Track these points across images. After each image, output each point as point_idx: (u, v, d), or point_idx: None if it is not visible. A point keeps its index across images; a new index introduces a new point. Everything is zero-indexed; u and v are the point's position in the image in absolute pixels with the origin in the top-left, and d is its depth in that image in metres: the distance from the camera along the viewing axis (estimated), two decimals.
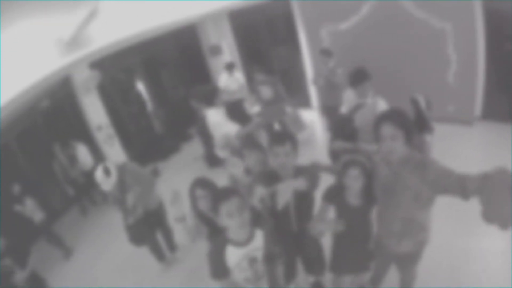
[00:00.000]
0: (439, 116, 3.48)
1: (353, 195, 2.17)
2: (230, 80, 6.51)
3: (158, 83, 7.21)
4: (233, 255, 1.85)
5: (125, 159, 5.75)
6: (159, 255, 3.94)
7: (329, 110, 5.66)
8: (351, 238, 2.24)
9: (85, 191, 5.64)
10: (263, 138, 3.81)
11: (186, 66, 7.88)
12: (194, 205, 2.45)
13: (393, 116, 1.94)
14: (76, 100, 5.60)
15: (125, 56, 6.10)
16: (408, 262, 2.39)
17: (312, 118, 6.91)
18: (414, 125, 2.60)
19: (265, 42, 7.74)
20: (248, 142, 2.72)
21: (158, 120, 6.89)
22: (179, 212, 2.36)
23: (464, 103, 6.15)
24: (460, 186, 1.72)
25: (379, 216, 2.24)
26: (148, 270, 4.00)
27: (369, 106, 3.22)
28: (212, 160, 5.78)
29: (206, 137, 5.70)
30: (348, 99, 3.56)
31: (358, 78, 3.24)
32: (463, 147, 4.90)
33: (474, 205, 1.70)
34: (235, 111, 3.89)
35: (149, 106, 6.87)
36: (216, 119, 3.80)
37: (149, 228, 3.68)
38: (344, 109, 3.65)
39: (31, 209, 4.71)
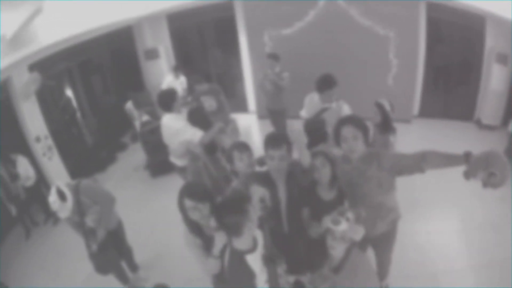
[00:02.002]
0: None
1: (325, 189, 2.37)
2: (175, 83, 6.17)
3: (89, 89, 6.50)
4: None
5: (66, 174, 5.11)
6: (124, 278, 3.52)
7: (275, 114, 5.67)
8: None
9: (26, 210, 4.77)
10: (226, 143, 3.63)
11: (119, 71, 7.24)
12: (185, 216, 2.17)
13: (353, 119, 2.26)
14: (14, 107, 4.75)
15: (57, 61, 5.39)
16: (385, 242, 2.63)
17: (249, 122, 6.98)
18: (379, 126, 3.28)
19: (203, 45, 7.53)
20: (240, 146, 2.63)
21: (88, 129, 6.19)
22: None
23: (403, 103, 6.54)
24: (416, 164, 2.03)
25: (350, 208, 2.33)
26: None
27: (334, 110, 3.43)
28: (156, 169, 5.39)
29: (150, 145, 5.32)
30: (312, 103, 3.68)
31: (326, 84, 3.40)
32: (404, 143, 5.22)
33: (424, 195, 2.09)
34: (197, 116, 3.64)
35: (80, 114, 6.14)
36: (175, 125, 3.57)
37: (113, 252, 3.26)
38: (304, 113, 3.79)
39: None
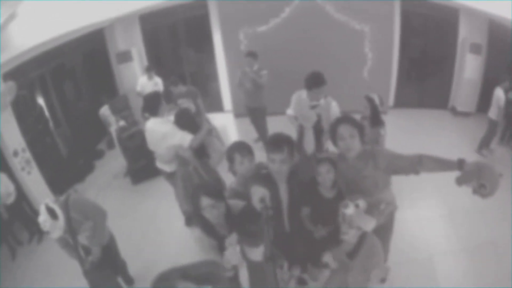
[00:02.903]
0: (356, 109, 3.78)
1: (327, 189, 2.40)
2: (149, 84, 6.04)
3: (61, 96, 6.21)
4: None
5: (46, 188, 4.80)
6: None
7: (255, 112, 5.64)
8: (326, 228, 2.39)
9: (9, 229, 4.50)
10: (215, 144, 3.58)
11: (92, 76, 6.94)
12: (199, 216, 2.15)
13: (349, 118, 2.32)
14: None
15: (28, 68, 5.11)
16: (383, 233, 2.60)
17: (225, 121, 6.91)
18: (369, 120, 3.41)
19: (176, 45, 7.37)
20: (242, 149, 2.54)
21: (62, 139, 5.93)
22: None
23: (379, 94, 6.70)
24: (412, 166, 2.12)
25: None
26: None
27: (323, 107, 3.49)
28: (137, 176, 5.24)
29: (130, 151, 5.19)
30: (300, 100, 3.70)
31: (315, 82, 3.41)
32: None
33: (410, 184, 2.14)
34: (185, 119, 3.52)
35: (52, 123, 5.86)
36: (162, 130, 3.45)
37: (108, 267, 3.10)
38: (291, 110, 3.82)
39: None
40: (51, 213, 2.58)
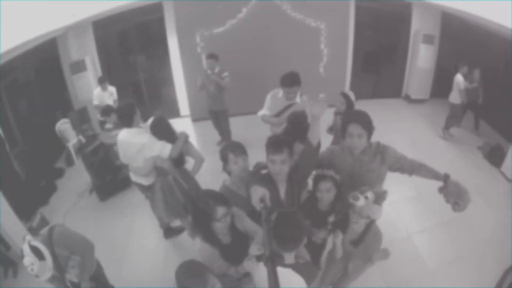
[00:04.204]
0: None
1: (325, 205, 2.49)
2: (105, 95, 5.84)
3: (16, 114, 5.76)
4: None
5: (14, 215, 4.29)
6: None
7: (218, 115, 5.65)
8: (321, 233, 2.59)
9: None
10: (194, 151, 3.46)
11: (46, 89, 6.48)
12: (202, 224, 2.09)
13: (361, 117, 2.35)
14: None
15: None
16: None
17: (183, 127, 6.62)
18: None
19: (131, 51, 7.11)
20: (236, 149, 2.50)
21: (19, 160, 5.51)
22: None
23: (334, 89, 6.87)
24: (410, 169, 2.42)
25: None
26: None
27: (299, 105, 3.58)
28: (104, 192, 5.02)
29: (95, 166, 4.98)
30: (275, 100, 3.73)
31: (291, 81, 3.49)
32: None
33: None
34: (162, 128, 3.35)
35: (7, 143, 5.43)
36: (139, 141, 3.25)
37: None
38: (266, 111, 3.81)
39: None
40: (37, 253, 2.29)
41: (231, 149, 2.47)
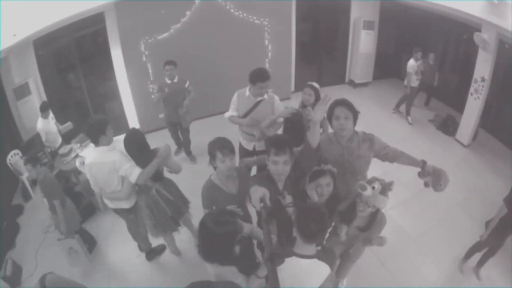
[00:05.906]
0: None
1: (324, 198, 2.49)
2: (49, 124, 5.33)
3: None
4: None
5: None
6: None
7: (176, 125, 5.64)
8: None
9: None
10: (173, 165, 3.30)
11: None
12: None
13: (346, 102, 2.55)
14: None
15: None
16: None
17: None
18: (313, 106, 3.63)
19: (73, 67, 6.57)
20: (224, 149, 2.49)
21: None
22: None
23: (281, 83, 7.30)
24: (393, 155, 2.71)
25: (341, 182, 2.71)
26: None
27: (267, 101, 3.67)
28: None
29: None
30: (243, 98, 3.72)
31: (260, 77, 3.49)
32: None
33: None
34: (136, 141, 3.09)
35: None
36: (111, 158, 3.03)
37: None
38: (233, 111, 3.79)
39: None
40: None
41: (219, 147, 2.47)
